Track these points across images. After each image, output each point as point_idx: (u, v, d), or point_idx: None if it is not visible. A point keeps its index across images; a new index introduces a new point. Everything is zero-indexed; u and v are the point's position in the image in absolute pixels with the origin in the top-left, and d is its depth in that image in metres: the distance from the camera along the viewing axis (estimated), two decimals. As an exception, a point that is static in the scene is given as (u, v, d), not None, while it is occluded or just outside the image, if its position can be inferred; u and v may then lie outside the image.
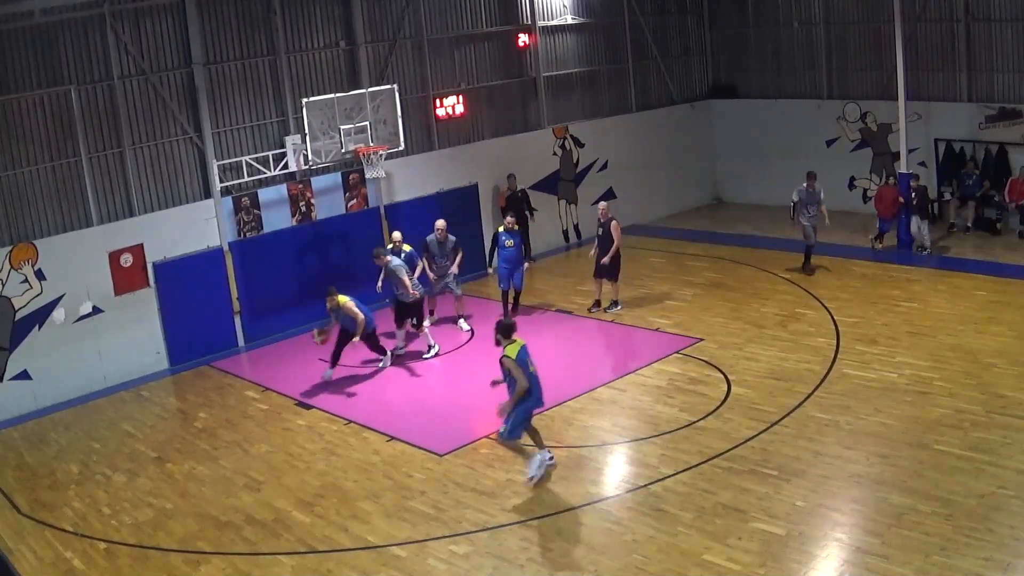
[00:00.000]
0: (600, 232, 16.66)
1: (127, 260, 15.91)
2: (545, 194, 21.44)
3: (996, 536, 8.99)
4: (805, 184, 17.79)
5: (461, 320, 16.82)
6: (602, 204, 17.00)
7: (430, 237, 16.48)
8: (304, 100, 16.45)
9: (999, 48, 19.72)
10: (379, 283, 15.60)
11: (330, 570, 9.74)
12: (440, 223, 16.53)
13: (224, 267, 16.91)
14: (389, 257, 15.21)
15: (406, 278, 15.04)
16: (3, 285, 14.75)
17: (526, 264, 17.20)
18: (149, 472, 12.50)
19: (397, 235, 16.25)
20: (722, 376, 13.62)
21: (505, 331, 11.00)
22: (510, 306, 16.76)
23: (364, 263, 18.17)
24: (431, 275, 16.51)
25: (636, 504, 10.43)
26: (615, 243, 16.37)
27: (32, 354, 15.05)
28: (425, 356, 15.56)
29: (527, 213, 20.12)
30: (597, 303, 17.02)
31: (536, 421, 12.80)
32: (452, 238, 16.56)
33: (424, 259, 16.34)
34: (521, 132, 21.10)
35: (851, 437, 11.39)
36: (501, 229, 16.78)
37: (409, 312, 15.41)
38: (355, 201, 18.48)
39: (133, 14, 15.79)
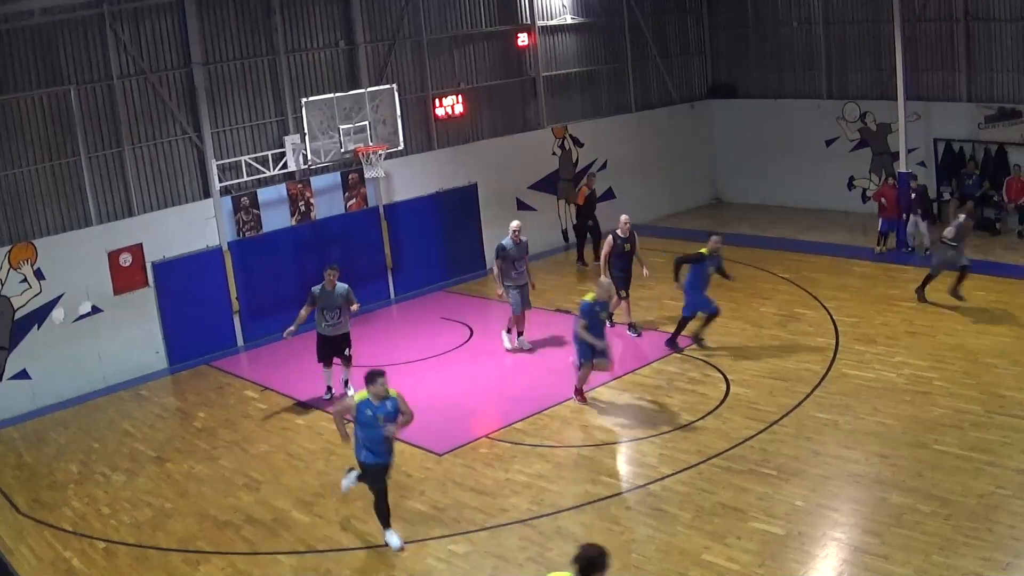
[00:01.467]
0: (627, 247, 15.42)
1: (126, 260, 15.90)
2: (544, 194, 21.45)
3: (995, 536, 9.00)
4: (963, 217, 15.77)
5: (521, 337, 15.38)
6: (625, 216, 15.63)
7: (506, 241, 14.99)
8: (303, 100, 16.46)
9: (998, 48, 19.71)
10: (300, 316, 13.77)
11: (329, 570, 9.74)
12: (515, 224, 15.15)
13: (223, 267, 16.90)
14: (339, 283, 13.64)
15: (356, 305, 13.83)
16: (2, 285, 14.74)
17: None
18: (148, 472, 12.50)
19: (515, 224, 15.03)
20: (721, 376, 13.62)
21: None
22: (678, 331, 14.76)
23: (364, 263, 18.28)
24: (509, 283, 15.03)
25: (635, 504, 10.43)
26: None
27: (31, 354, 15.04)
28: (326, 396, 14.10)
29: (595, 217, 19.84)
30: (632, 325, 15.64)
31: (535, 420, 12.85)
32: (524, 239, 15.19)
33: (498, 267, 14.95)
34: (520, 132, 21.09)
35: (850, 437, 11.39)
36: (705, 251, 14.28)
37: (343, 344, 13.91)
38: (354, 201, 18.47)
39: (132, 14, 15.78)
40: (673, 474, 10.93)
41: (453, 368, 15.14)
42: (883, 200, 19.07)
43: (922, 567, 8.63)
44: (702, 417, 12.35)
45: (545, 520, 10.26)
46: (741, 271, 18.60)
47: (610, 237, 15.58)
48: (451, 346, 16.05)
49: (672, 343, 14.65)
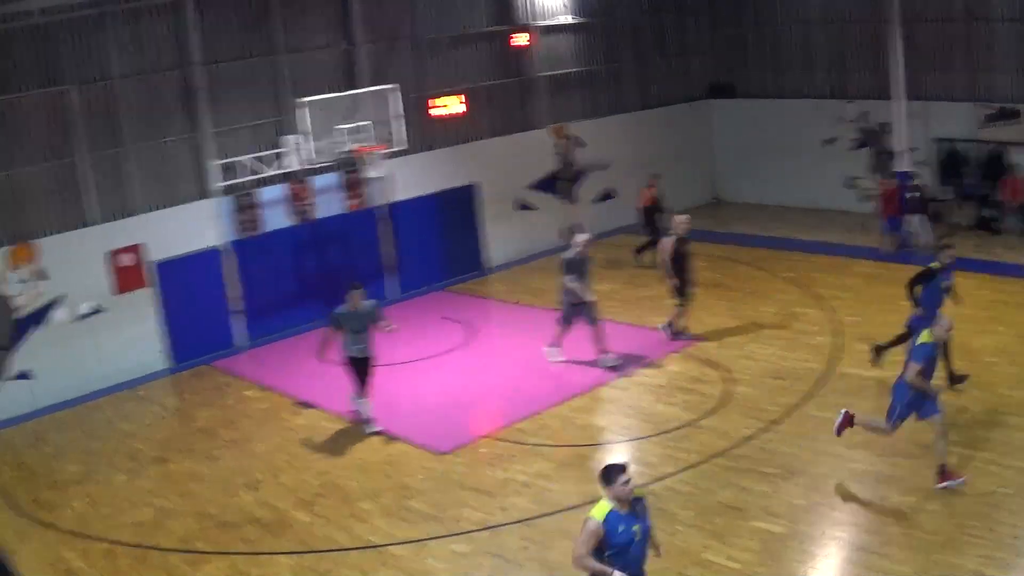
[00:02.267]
0: (686, 249, 14.99)
1: (126, 260, 15.90)
2: (543, 194, 21.44)
3: (996, 535, 8.99)
4: None
5: (604, 356, 14.40)
6: (683, 216, 15.23)
7: (570, 254, 14.09)
8: (303, 100, 16.43)
9: (998, 48, 19.71)
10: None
11: (329, 569, 9.73)
12: (582, 236, 14.22)
13: (223, 266, 16.90)
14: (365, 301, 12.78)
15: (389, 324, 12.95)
16: (3, 285, 14.74)
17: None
18: (149, 472, 12.49)
19: (581, 238, 14.10)
20: (721, 376, 13.61)
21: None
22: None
23: (364, 263, 18.27)
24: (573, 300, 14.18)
25: (636, 503, 10.42)
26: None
27: (32, 354, 15.02)
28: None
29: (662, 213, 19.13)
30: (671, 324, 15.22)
31: (535, 420, 12.85)
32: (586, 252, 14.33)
33: (575, 283, 14.03)
34: (519, 132, 21.09)
35: (851, 436, 11.36)
36: (937, 265, 12.44)
37: (368, 367, 12.98)
38: (354, 201, 18.47)
39: (132, 14, 15.77)
40: (674, 473, 10.93)
41: (453, 368, 15.13)
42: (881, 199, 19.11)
43: (923, 566, 8.62)
44: (703, 416, 12.35)
45: (546, 520, 10.26)
46: (741, 271, 18.65)
47: (671, 239, 14.97)
48: (451, 346, 16.05)
49: (954, 379, 12.46)
